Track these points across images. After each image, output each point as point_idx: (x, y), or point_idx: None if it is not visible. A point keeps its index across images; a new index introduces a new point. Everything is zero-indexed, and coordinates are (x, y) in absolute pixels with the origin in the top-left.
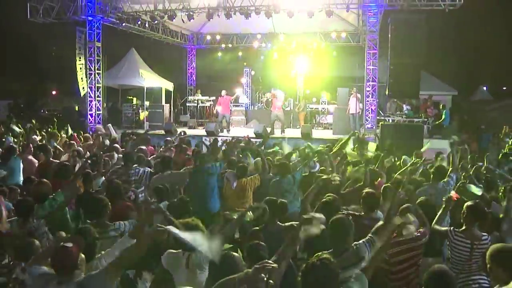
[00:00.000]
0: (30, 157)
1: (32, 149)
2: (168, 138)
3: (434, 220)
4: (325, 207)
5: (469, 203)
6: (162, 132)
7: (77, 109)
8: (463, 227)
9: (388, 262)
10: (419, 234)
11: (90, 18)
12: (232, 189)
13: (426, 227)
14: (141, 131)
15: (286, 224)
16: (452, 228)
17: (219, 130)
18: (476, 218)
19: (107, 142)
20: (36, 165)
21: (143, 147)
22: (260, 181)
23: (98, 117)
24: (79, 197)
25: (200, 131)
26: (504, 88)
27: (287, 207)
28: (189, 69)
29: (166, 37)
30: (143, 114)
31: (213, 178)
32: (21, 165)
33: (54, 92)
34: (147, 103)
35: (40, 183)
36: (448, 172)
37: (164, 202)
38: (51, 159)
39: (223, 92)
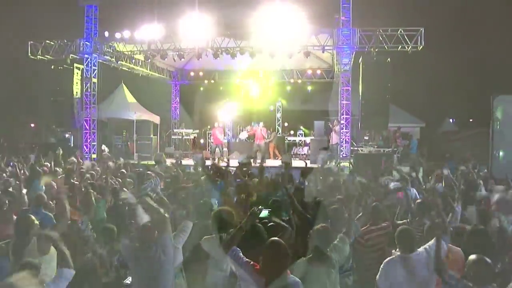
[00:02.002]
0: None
1: None
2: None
3: None
4: None
5: None
6: (152, 162)
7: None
8: None
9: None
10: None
11: (87, 56)
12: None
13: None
14: (133, 161)
15: None
16: None
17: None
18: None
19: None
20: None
21: None
22: None
23: (93, 148)
24: None
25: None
26: (471, 120)
27: None
28: (173, 103)
29: (153, 73)
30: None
31: None
32: None
33: (32, 125)
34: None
35: None
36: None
37: None
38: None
39: (216, 124)
